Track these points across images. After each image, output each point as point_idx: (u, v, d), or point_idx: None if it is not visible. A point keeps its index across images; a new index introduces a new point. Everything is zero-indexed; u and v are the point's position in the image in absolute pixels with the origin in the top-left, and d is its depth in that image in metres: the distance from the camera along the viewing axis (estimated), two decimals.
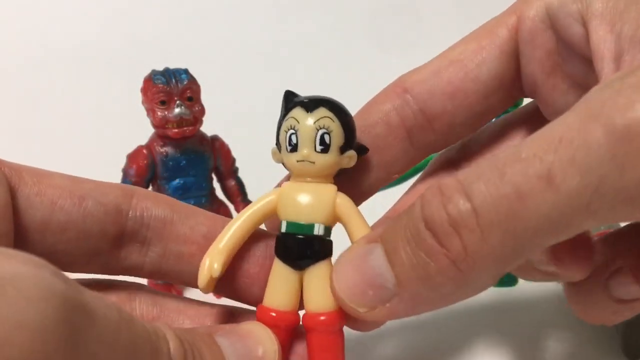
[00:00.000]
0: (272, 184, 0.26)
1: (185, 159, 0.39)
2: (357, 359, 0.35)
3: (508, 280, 0.40)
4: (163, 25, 0.65)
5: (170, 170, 0.39)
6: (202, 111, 0.38)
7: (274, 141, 0.24)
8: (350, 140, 0.23)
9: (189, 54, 0.51)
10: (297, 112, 0.23)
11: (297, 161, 0.23)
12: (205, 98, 0.39)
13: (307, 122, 0.22)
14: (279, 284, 0.23)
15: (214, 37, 0.63)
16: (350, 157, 0.23)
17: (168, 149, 0.38)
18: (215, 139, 0.41)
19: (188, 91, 0.38)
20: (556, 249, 0.21)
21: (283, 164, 0.24)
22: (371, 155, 0.25)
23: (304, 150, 0.22)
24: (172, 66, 0.39)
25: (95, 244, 0.22)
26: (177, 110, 0.37)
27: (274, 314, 0.23)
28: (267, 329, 0.22)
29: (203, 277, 0.22)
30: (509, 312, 0.38)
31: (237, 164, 0.42)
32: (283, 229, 0.23)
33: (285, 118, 0.23)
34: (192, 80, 0.38)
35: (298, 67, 0.58)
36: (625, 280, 0.22)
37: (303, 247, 0.23)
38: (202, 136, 0.40)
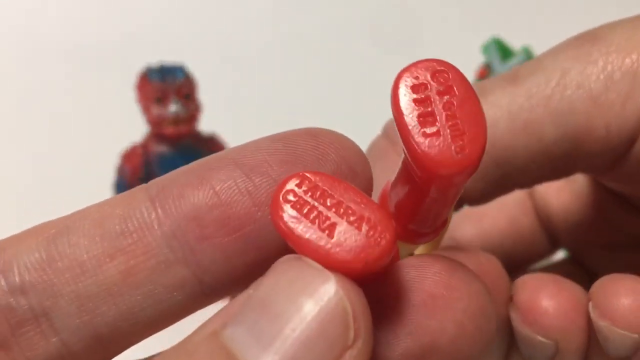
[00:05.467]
0: None
1: (181, 157, 0.38)
2: None
3: None
4: (159, 21, 0.64)
5: (166, 170, 0.38)
6: (198, 109, 0.38)
7: None
8: None
9: (185, 51, 0.51)
10: None
11: None
12: (202, 96, 0.39)
13: None
14: None
15: (211, 34, 0.62)
16: None
17: (163, 148, 0.38)
18: (211, 137, 0.40)
19: (184, 88, 0.37)
20: None
21: None
22: None
23: None
24: (167, 62, 0.38)
25: None
26: (172, 107, 0.37)
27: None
28: (309, 260, 0.11)
29: None
30: None
31: None
32: None
33: None
34: (188, 78, 0.38)
35: (297, 65, 0.58)
36: None
37: None
38: (199, 134, 0.39)
